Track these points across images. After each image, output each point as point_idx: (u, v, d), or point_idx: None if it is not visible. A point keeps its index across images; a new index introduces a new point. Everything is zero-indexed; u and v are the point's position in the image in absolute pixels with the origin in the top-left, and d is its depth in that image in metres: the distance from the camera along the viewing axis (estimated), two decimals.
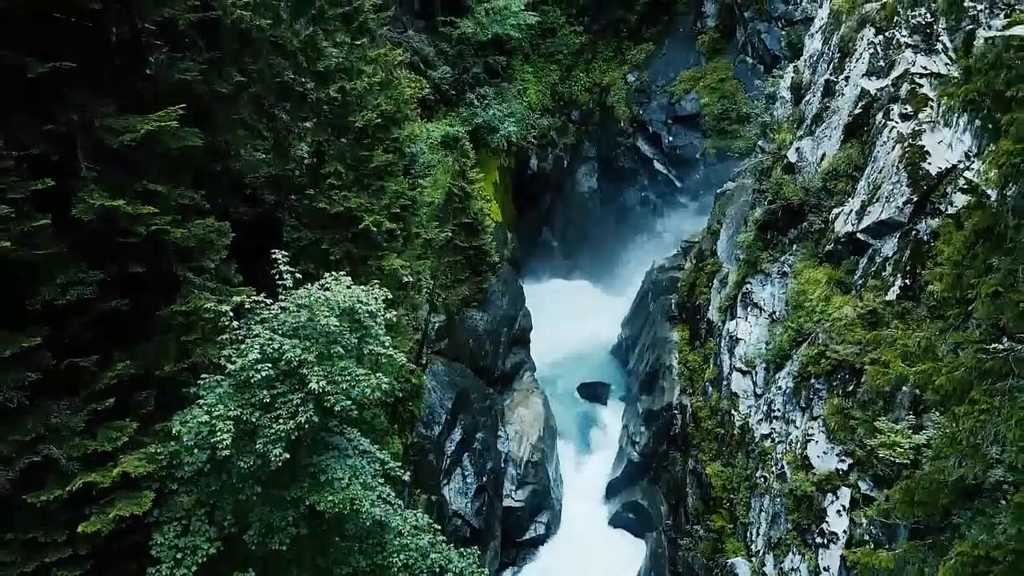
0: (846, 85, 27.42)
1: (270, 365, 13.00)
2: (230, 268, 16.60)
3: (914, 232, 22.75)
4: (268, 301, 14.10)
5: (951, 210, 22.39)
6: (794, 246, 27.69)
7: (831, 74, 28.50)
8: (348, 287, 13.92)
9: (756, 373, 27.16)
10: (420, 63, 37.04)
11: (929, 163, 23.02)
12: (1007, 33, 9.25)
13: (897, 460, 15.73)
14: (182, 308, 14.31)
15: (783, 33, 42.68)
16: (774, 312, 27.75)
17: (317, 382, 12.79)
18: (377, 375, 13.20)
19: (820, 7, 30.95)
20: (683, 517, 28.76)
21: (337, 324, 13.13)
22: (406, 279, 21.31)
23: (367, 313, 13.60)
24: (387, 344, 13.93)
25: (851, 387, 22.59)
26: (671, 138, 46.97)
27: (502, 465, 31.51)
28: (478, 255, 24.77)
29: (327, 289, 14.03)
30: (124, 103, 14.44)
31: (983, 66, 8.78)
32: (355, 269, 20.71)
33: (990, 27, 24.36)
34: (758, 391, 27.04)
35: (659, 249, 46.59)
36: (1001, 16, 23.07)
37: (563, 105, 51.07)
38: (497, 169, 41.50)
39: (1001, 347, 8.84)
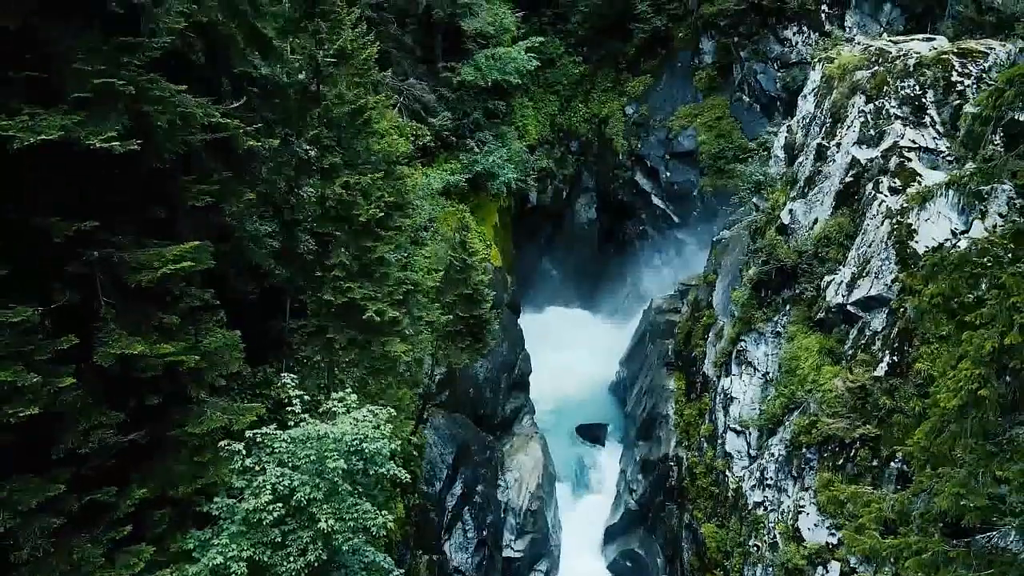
0: (837, 152, 27.98)
1: (281, 504, 13.66)
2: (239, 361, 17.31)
3: (902, 309, 23.38)
4: (278, 433, 14.72)
5: None
6: (787, 306, 28.25)
7: (823, 138, 29.04)
8: (354, 419, 14.51)
9: (750, 435, 27.79)
10: (421, 110, 37.60)
11: (916, 241, 23.61)
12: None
13: None
14: (196, 431, 14.98)
15: (779, 75, 43.22)
16: (768, 372, 28.36)
17: (326, 520, 13.45)
18: (383, 513, 13.89)
19: (812, 69, 31.45)
20: (679, 572, 29.44)
21: (345, 466, 13.80)
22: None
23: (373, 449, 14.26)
24: (391, 469, 14.61)
25: (841, 460, 23.29)
26: (668, 174, 47.32)
27: (502, 515, 32.05)
28: (478, 324, 25.48)
29: (334, 417, 14.68)
30: (142, 230, 15.14)
31: (947, 265, 9.41)
32: (358, 354, 21.50)
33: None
34: (752, 452, 27.68)
35: (657, 282, 47.12)
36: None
37: (562, 136, 51.61)
38: (497, 211, 42.07)
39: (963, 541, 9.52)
